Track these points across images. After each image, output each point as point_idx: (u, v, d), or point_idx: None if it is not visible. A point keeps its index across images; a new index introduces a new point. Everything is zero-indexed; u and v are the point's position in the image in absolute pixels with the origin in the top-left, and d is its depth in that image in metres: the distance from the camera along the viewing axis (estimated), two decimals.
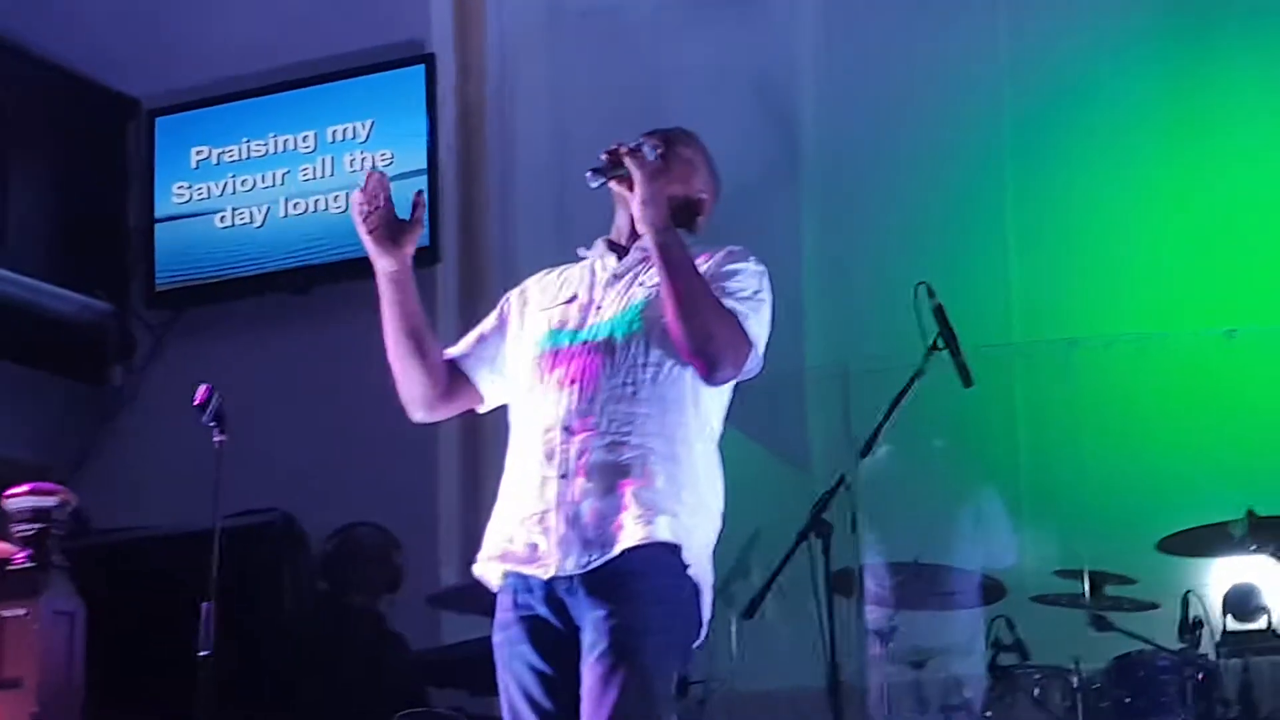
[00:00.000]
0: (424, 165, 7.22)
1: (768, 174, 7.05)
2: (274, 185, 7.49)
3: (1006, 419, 6.81)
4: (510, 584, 3.38)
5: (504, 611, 3.39)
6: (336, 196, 7.37)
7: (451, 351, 3.65)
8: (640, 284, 3.44)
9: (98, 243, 7.72)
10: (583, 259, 3.60)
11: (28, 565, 5.44)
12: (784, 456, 6.57)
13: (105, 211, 7.77)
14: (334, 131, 7.42)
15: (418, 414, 3.67)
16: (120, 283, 7.69)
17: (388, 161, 7.29)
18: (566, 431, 3.34)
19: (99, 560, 6.08)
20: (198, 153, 7.64)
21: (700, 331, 3.30)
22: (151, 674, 5.97)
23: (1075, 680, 5.48)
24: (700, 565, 3.34)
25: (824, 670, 4.98)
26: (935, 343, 5.20)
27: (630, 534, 3.25)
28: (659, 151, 3.49)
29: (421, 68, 7.30)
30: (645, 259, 3.45)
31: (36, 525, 5.47)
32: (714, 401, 3.44)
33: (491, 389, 3.63)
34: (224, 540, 4.69)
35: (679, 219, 3.51)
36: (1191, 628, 5.56)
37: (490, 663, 5.78)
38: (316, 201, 7.42)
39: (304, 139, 7.48)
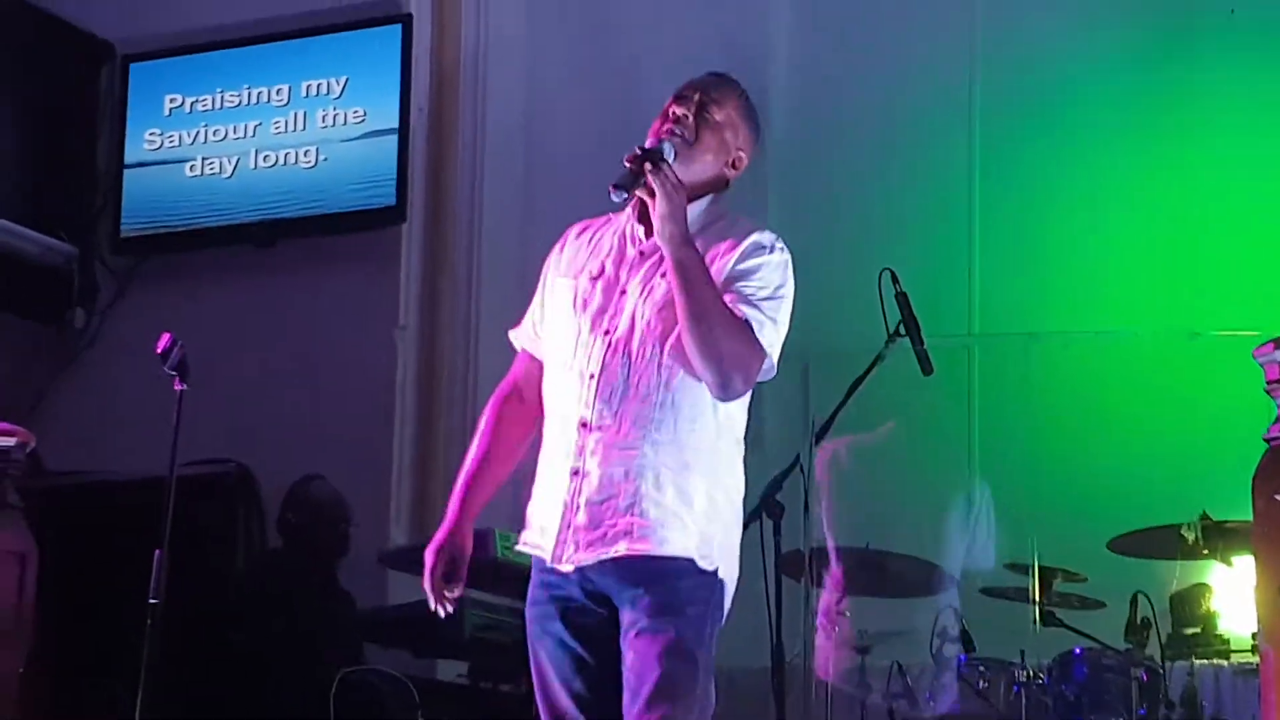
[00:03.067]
0: (396, 125, 7.20)
1: None
2: (245, 137, 7.46)
3: (963, 409, 6.84)
4: (542, 562, 3.42)
5: (536, 588, 3.43)
6: (307, 151, 7.34)
7: (533, 350, 3.58)
8: (664, 274, 3.36)
9: (65, 185, 7.67)
10: (618, 205, 3.50)
11: None
12: None
13: (75, 154, 7.71)
14: (308, 86, 7.39)
15: None
16: (86, 227, 7.65)
17: (360, 119, 7.27)
18: (584, 427, 3.34)
19: (52, 502, 6.06)
20: (171, 100, 7.60)
21: (711, 353, 3.26)
22: (100, 618, 5.97)
23: (1020, 674, 5.50)
24: (724, 562, 3.36)
25: (769, 650, 4.99)
26: (897, 330, 5.21)
27: (637, 544, 3.28)
28: (684, 133, 3.42)
29: (398, 27, 7.27)
30: None
31: None
32: (738, 403, 3.42)
33: None
34: (178, 489, 4.67)
35: (714, 184, 3.49)
36: (1139, 628, 5.57)
37: (433, 626, 5.80)
38: (287, 155, 7.39)
39: (278, 92, 7.44)
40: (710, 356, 3.27)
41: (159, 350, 4.68)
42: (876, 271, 5.21)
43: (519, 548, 3.47)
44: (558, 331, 3.46)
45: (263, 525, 6.71)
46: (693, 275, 3.27)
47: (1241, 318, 6.23)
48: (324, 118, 7.34)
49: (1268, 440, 3.35)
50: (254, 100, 7.47)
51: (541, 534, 3.39)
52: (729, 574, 3.38)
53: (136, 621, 4.54)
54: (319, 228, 7.28)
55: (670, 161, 3.34)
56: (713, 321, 3.27)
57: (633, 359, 3.34)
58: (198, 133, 7.53)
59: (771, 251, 3.41)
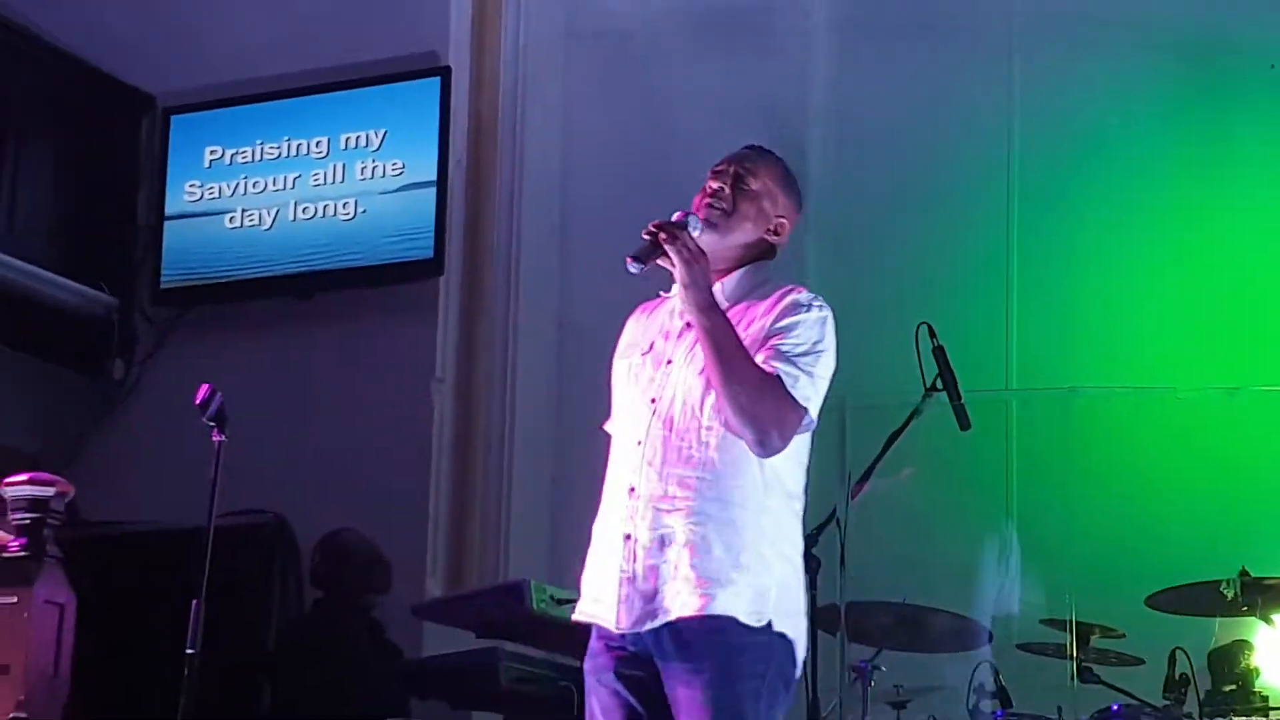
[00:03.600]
0: (434, 177, 7.23)
1: None
2: (284, 189, 7.49)
3: (1001, 464, 6.82)
4: (597, 624, 3.52)
5: (595, 640, 3.51)
6: (346, 203, 7.37)
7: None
8: None
9: (106, 237, 7.72)
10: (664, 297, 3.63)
11: (21, 554, 5.45)
12: None
13: (116, 206, 7.77)
14: (347, 139, 7.43)
15: None
16: (126, 278, 7.69)
17: (399, 171, 7.31)
18: (633, 492, 3.44)
19: (90, 552, 6.08)
20: (211, 152, 7.64)
21: (745, 412, 3.35)
22: (137, 668, 5.98)
23: None
24: (781, 618, 3.40)
25: (804, 706, 4.96)
26: (934, 384, 5.20)
27: (687, 604, 3.34)
28: (722, 205, 3.53)
29: (437, 80, 7.31)
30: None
31: (33, 515, 5.48)
32: (784, 458, 3.46)
33: None
34: (215, 539, 4.68)
35: (758, 252, 3.59)
36: (1177, 685, 5.54)
37: (469, 678, 5.81)
38: (326, 207, 7.42)
39: (317, 144, 7.47)
40: (744, 416, 3.34)
41: (197, 401, 4.70)
42: (914, 325, 5.20)
43: (576, 618, 3.55)
44: (619, 408, 3.59)
45: (299, 576, 6.72)
46: (720, 340, 3.37)
47: None
48: (363, 170, 7.38)
49: None
50: (293, 152, 7.51)
51: (597, 603, 3.48)
52: (792, 629, 3.42)
53: (174, 672, 4.55)
54: (357, 280, 7.31)
55: (692, 233, 3.43)
56: (744, 381, 3.35)
57: (675, 423, 3.43)
58: (237, 184, 7.58)
59: (809, 309, 3.49)
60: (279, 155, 7.53)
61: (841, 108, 7.48)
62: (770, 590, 3.39)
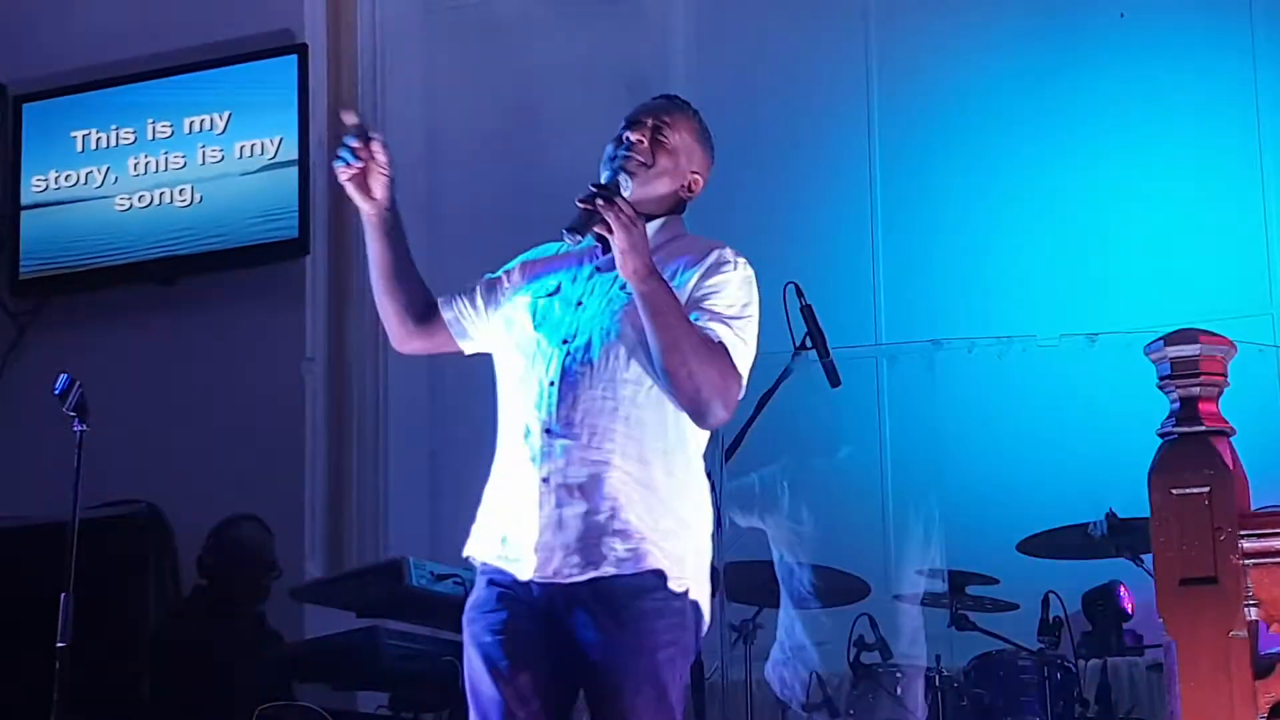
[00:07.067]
0: (295, 156, 7.17)
1: None
2: (143, 173, 7.40)
3: (872, 419, 6.88)
4: (494, 569, 3.32)
5: (482, 590, 3.32)
6: (207, 185, 7.26)
7: (441, 299, 3.56)
8: (624, 287, 3.27)
9: None
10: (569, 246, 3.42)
11: None
12: None
13: None
14: (204, 120, 7.32)
15: (396, 346, 3.62)
16: None
17: (260, 152, 7.23)
18: (549, 434, 3.26)
19: None
20: (67, 139, 7.53)
21: (688, 383, 3.19)
22: (7, 666, 5.89)
23: (936, 679, 5.53)
24: (696, 583, 3.29)
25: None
26: (803, 342, 5.22)
27: (617, 559, 3.20)
28: (641, 158, 3.40)
29: (294, 57, 7.25)
30: None
31: None
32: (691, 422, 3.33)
33: (466, 344, 3.56)
34: (87, 531, 4.62)
35: (671, 206, 3.47)
36: (1051, 628, 5.63)
37: (351, 658, 5.78)
38: (186, 190, 7.33)
39: (176, 126, 7.38)
40: (687, 387, 3.19)
41: (56, 391, 4.64)
42: (781, 284, 5.23)
43: (470, 554, 3.36)
44: (518, 346, 3.40)
45: (175, 565, 6.66)
46: (661, 306, 3.19)
47: (1139, 318, 6.31)
48: (223, 151, 7.30)
49: (1161, 436, 3.41)
50: (152, 135, 7.41)
51: (504, 547, 3.29)
52: (702, 597, 3.31)
53: (46, 667, 4.49)
54: (221, 263, 7.24)
55: (624, 194, 3.27)
56: (686, 351, 3.18)
57: (594, 369, 3.27)
58: (94, 171, 7.47)
59: (735, 267, 3.37)
60: (135, 139, 7.43)
61: (701, 73, 7.49)
62: (687, 557, 3.27)
